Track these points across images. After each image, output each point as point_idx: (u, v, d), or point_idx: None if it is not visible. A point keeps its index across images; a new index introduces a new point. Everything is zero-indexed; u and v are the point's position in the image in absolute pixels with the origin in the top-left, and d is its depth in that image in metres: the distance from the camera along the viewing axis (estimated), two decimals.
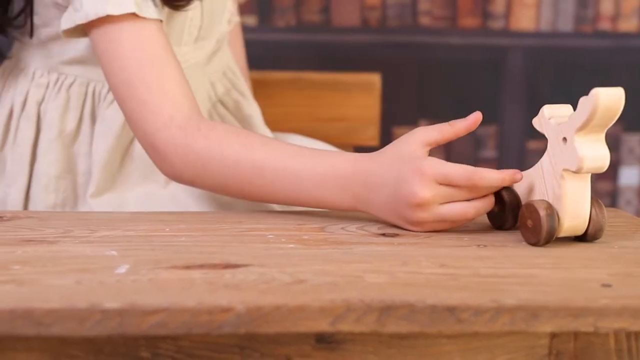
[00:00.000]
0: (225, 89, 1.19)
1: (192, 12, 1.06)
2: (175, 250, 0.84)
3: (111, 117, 1.06)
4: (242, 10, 1.64)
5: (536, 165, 0.87)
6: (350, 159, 0.91)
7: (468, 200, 0.87)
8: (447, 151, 1.68)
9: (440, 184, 0.86)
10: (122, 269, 0.77)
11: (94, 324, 0.68)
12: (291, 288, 0.73)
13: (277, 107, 1.44)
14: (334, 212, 0.96)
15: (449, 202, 0.87)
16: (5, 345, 0.70)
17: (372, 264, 0.79)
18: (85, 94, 1.07)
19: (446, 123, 0.89)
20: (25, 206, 1.09)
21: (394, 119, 1.69)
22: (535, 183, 0.87)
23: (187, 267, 0.78)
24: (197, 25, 1.10)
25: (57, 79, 1.08)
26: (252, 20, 1.66)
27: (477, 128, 0.90)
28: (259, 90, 1.42)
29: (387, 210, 0.89)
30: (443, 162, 0.86)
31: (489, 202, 0.87)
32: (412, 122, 1.70)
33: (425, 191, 0.86)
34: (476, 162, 1.70)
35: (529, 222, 0.85)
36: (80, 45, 1.06)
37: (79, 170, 1.10)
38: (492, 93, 1.70)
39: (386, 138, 1.68)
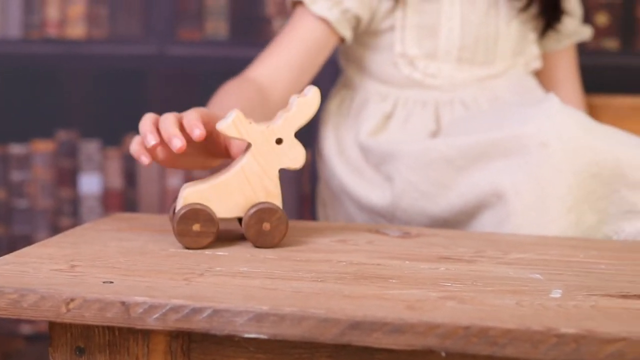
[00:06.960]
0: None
1: (445, 31, 1.24)
2: (599, 278, 0.81)
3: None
4: (603, 33, 1.59)
5: (234, 170, 0.88)
6: None
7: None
8: None
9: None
10: (557, 294, 0.75)
11: (549, 348, 0.66)
12: None
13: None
14: None
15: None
16: None
17: None
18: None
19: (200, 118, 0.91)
20: None
21: None
22: (236, 188, 0.88)
23: (624, 297, 0.75)
24: (455, 45, 1.24)
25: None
26: (613, 44, 1.60)
27: None
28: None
29: None
30: (190, 112, 0.91)
31: (165, 135, 0.88)
32: None
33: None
34: None
35: (266, 226, 0.88)
36: None
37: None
38: None
39: None
